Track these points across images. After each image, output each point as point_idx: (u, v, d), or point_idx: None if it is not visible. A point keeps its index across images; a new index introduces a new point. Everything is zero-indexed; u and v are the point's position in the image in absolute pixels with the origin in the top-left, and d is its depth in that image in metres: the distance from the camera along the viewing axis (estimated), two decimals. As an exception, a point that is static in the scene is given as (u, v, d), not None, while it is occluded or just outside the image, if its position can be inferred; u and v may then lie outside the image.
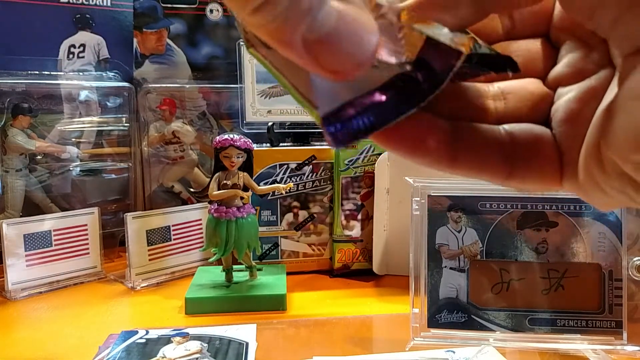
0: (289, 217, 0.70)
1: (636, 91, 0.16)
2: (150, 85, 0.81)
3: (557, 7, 0.20)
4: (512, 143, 0.19)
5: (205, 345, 0.46)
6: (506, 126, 0.20)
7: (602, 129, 0.17)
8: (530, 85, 0.20)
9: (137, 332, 0.48)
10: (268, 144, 0.72)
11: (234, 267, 0.61)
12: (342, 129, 0.16)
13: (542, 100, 0.20)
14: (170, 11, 0.83)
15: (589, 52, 0.19)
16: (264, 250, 0.69)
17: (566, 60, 0.20)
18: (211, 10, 0.84)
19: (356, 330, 0.53)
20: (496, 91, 0.20)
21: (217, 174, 0.59)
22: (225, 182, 0.59)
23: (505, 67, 0.19)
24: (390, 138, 0.18)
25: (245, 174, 0.60)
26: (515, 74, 0.19)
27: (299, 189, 0.69)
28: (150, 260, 0.66)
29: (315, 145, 0.73)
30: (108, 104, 0.80)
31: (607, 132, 0.17)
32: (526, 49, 0.21)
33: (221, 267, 0.62)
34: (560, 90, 0.20)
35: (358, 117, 0.16)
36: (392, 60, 0.16)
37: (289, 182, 0.67)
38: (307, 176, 0.69)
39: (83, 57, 0.81)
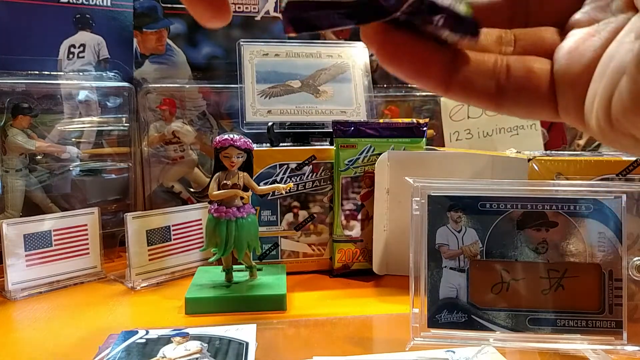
0: (289, 217, 0.70)
1: None
2: (150, 85, 0.81)
3: None
4: (507, 71, 0.21)
5: (205, 345, 0.46)
6: (507, 56, 0.21)
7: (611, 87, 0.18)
8: (544, 32, 0.22)
9: (137, 332, 0.48)
10: (268, 144, 0.72)
11: (234, 267, 0.61)
12: (298, 18, 0.18)
13: (551, 45, 0.21)
14: (170, 11, 0.83)
15: (610, 2, 0.20)
16: (264, 250, 0.69)
17: (585, 8, 0.21)
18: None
19: (356, 330, 0.53)
20: (509, 37, 0.22)
21: (217, 174, 0.59)
22: (225, 182, 0.59)
23: (467, 30, 0.20)
24: (395, 58, 0.20)
25: (245, 174, 0.60)
26: (472, 39, 0.20)
27: (299, 189, 0.69)
28: (150, 260, 0.66)
29: (315, 145, 0.73)
30: (108, 104, 0.80)
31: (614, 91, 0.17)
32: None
33: (221, 267, 0.62)
34: (570, 32, 0.21)
35: (317, 12, 0.18)
36: None
37: (289, 182, 0.67)
38: (307, 176, 0.69)
39: (83, 57, 0.81)
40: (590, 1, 0.21)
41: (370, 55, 0.86)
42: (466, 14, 0.20)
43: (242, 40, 0.77)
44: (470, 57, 0.21)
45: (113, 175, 0.81)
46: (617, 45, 0.18)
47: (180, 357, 0.44)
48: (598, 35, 0.19)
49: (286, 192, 0.68)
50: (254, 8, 0.85)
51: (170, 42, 0.85)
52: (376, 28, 0.20)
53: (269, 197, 0.69)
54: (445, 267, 0.47)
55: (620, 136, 0.18)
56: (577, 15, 0.21)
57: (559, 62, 0.20)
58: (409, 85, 0.96)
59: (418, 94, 0.95)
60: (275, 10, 0.86)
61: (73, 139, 0.77)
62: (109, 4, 0.82)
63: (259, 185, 0.62)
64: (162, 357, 0.44)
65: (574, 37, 0.20)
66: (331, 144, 0.72)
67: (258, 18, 0.86)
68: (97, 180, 0.79)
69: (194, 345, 0.46)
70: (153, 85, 0.81)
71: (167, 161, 0.82)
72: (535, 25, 0.22)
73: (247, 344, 0.46)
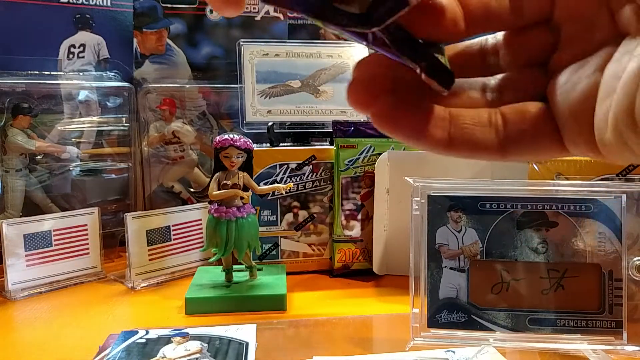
0: (289, 217, 0.70)
1: None
2: (150, 85, 0.81)
3: None
4: (504, 121, 0.21)
5: (205, 345, 0.46)
6: (500, 108, 0.21)
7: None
8: (526, 76, 0.22)
9: (137, 332, 0.48)
10: (268, 144, 0.72)
11: (234, 267, 0.61)
12: None
13: (535, 87, 0.21)
14: (170, 11, 0.83)
15: (591, 34, 0.20)
16: (264, 250, 0.69)
17: (567, 44, 0.21)
18: (211, 10, 0.84)
19: (356, 330, 0.53)
20: (493, 85, 0.22)
21: (217, 174, 0.59)
22: (225, 182, 0.59)
23: (444, 81, 0.20)
24: (392, 121, 0.20)
25: (245, 174, 0.60)
26: (445, 89, 0.21)
27: (299, 189, 0.69)
28: (150, 260, 0.66)
29: (315, 145, 0.73)
30: (108, 104, 0.80)
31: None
32: (529, 39, 0.22)
33: (221, 267, 0.62)
34: (554, 71, 0.21)
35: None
36: None
37: (289, 182, 0.67)
38: (307, 176, 0.69)
39: (83, 57, 0.81)
40: (568, 40, 0.21)
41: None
42: (445, 63, 0.20)
43: (242, 40, 0.77)
44: (465, 114, 0.21)
45: (113, 175, 0.81)
46: (617, 64, 0.18)
47: (180, 357, 0.44)
48: (587, 65, 0.20)
49: (286, 192, 0.68)
50: (254, 8, 0.85)
51: (170, 42, 0.84)
52: (371, 92, 0.20)
53: (269, 197, 0.69)
54: (445, 267, 0.47)
55: None
56: (558, 56, 0.21)
57: (555, 98, 0.20)
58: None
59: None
60: (275, 10, 0.86)
61: (73, 139, 0.77)
62: (109, 4, 0.82)
63: (259, 185, 0.62)
64: (162, 357, 0.44)
65: (563, 73, 0.20)
66: (331, 144, 0.72)
67: (258, 18, 0.86)
68: (97, 180, 0.79)
69: (194, 345, 0.46)
70: (153, 85, 0.81)
71: (167, 161, 0.82)
72: (510, 70, 0.22)
73: (247, 344, 0.46)
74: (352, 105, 0.20)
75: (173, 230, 0.68)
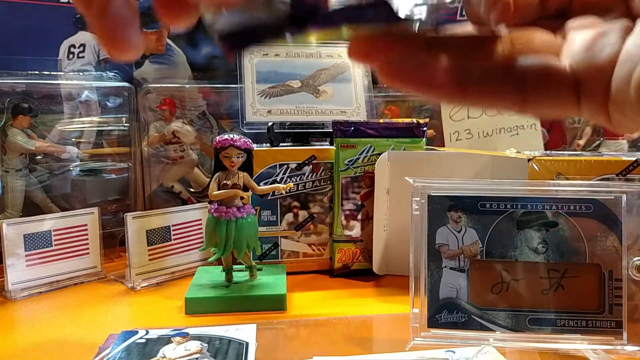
0: (289, 217, 0.70)
1: None
2: (150, 85, 0.81)
3: None
4: (522, 73, 0.20)
5: (205, 345, 0.46)
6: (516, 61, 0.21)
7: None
8: (540, 34, 0.22)
9: (137, 332, 0.48)
10: (268, 144, 0.72)
11: (234, 267, 0.61)
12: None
13: (551, 45, 0.21)
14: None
15: (605, 17, 0.21)
16: (264, 250, 0.69)
17: (581, 18, 0.21)
18: (211, 10, 0.84)
19: (356, 330, 0.53)
20: (506, 39, 0.22)
21: (217, 174, 0.59)
22: (225, 182, 0.59)
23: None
24: (401, 72, 0.20)
25: (245, 174, 0.60)
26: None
27: (299, 189, 0.69)
28: (150, 260, 0.66)
29: (315, 145, 0.73)
30: (108, 104, 0.80)
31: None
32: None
33: (221, 267, 0.62)
34: (573, 31, 0.21)
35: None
36: None
37: (289, 182, 0.67)
38: (307, 176, 0.69)
39: (83, 57, 0.81)
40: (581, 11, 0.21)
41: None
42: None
43: (242, 40, 0.77)
44: (479, 62, 0.21)
45: (113, 175, 0.81)
46: (637, 36, 0.19)
47: (180, 357, 0.44)
48: (609, 35, 0.20)
49: (286, 192, 0.68)
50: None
51: (170, 42, 0.85)
52: (375, 43, 0.20)
53: (269, 197, 0.69)
54: (445, 267, 0.47)
55: None
56: (576, 22, 0.22)
57: (577, 57, 0.21)
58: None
59: (418, 94, 0.95)
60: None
61: (73, 139, 0.77)
62: (109, 4, 0.82)
63: (259, 185, 0.62)
64: (162, 357, 0.44)
65: (584, 36, 0.21)
66: (331, 144, 0.72)
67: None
68: (97, 180, 0.79)
69: (194, 345, 0.46)
70: (153, 85, 0.81)
71: (167, 161, 0.82)
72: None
73: (247, 344, 0.46)
74: (356, 59, 0.20)
75: (173, 230, 0.68)
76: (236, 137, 0.58)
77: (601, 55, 0.20)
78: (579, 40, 0.21)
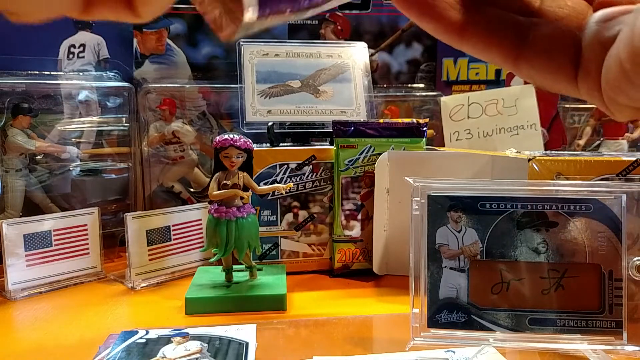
0: (289, 217, 0.70)
1: None
2: (150, 85, 0.81)
3: None
4: (532, 26, 0.20)
5: (205, 345, 0.46)
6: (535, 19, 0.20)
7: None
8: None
9: (137, 332, 0.48)
10: (268, 144, 0.72)
11: (234, 267, 0.61)
12: None
13: (581, 13, 0.21)
14: (170, 11, 0.83)
15: None
16: (264, 250, 0.69)
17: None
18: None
19: (356, 330, 0.53)
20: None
21: (217, 174, 0.59)
22: (225, 182, 0.59)
23: None
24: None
25: (245, 174, 0.60)
26: None
27: (299, 189, 0.69)
28: (150, 260, 0.66)
29: (315, 145, 0.73)
30: (108, 104, 0.80)
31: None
32: None
33: (221, 267, 0.62)
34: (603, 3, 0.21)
35: None
36: None
37: (289, 182, 0.67)
38: (307, 176, 0.69)
39: (83, 57, 0.81)
40: None
41: (371, 55, 0.86)
42: None
43: (242, 40, 0.77)
44: (491, 6, 0.20)
45: (113, 175, 0.81)
46: None
47: (180, 357, 0.44)
48: (630, 15, 0.19)
49: (286, 192, 0.68)
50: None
51: (170, 42, 0.85)
52: None
53: (269, 197, 0.69)
54: (445, 267, 0.47)
55: None
56: None
57: (591, 27, 0.20)
58: (409, 85, 0.96)
59: (418, 94, 0.95)
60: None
61: (73, 139, 0.77)
62: (109, 4, 0.82)
63: (259, 185, 0.62)
64: (162, 357, 0.44)
65: (607, 10, 0.20)
66: (331, 144, 0.72)
67: (258, 18, 0.86)
68: (97, 180, 0.79)
69: (194, 345, 0.46)
70: (153, 85, 0.81)
71: (167, 161, 0.82)
72: None
73: (247, 344, 0.46)
74: None
75: (173, 230, 0.68)
76: (236, 137, 0.58)
77: (610, 31, 0.20)
78: (601, 12, 0.20)
